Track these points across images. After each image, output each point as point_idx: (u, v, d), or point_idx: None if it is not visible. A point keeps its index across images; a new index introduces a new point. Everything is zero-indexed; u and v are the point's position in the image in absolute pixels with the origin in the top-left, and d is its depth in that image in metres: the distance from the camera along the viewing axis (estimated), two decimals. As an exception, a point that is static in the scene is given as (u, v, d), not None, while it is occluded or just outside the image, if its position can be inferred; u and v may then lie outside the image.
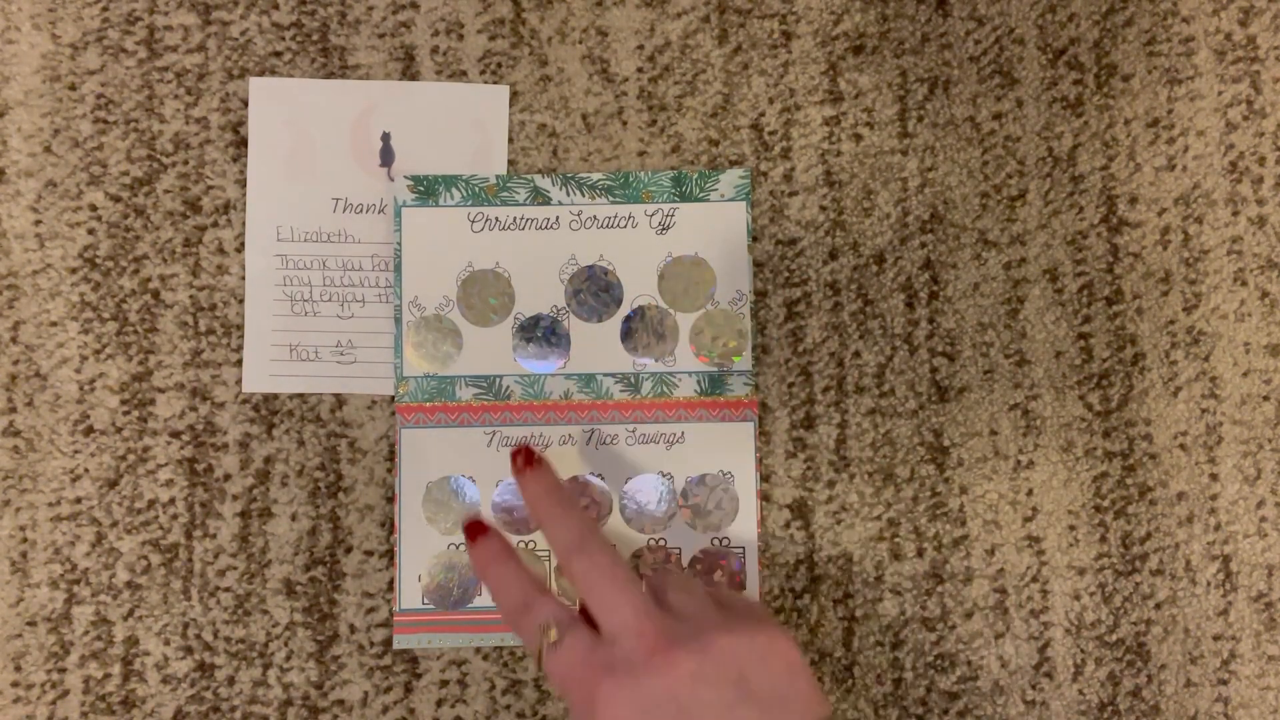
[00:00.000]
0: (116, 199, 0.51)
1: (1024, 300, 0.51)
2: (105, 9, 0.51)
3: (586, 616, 0.40)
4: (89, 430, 0.50)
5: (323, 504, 0.50)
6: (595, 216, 0.51)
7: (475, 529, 0.44)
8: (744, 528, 0.50)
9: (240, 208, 0.51)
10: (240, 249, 0.51)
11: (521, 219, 0.51)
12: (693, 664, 0.38)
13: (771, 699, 0.38)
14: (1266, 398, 0.51)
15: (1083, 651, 0.49)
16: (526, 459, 0.44)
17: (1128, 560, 0.50)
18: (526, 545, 0.50)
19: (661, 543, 0.50)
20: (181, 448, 0.50)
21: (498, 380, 0.50)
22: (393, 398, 0.50)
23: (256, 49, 0.51)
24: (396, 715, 0.49)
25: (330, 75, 0.51)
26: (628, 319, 0.51)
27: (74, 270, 0.50)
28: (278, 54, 0.51)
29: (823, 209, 0.51)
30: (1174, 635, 0.50)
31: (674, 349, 0.51)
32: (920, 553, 0.50)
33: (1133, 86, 0.52)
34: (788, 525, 0.50)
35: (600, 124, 0.51)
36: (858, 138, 0.51)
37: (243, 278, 0.51)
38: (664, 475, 0.50)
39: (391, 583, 0.50)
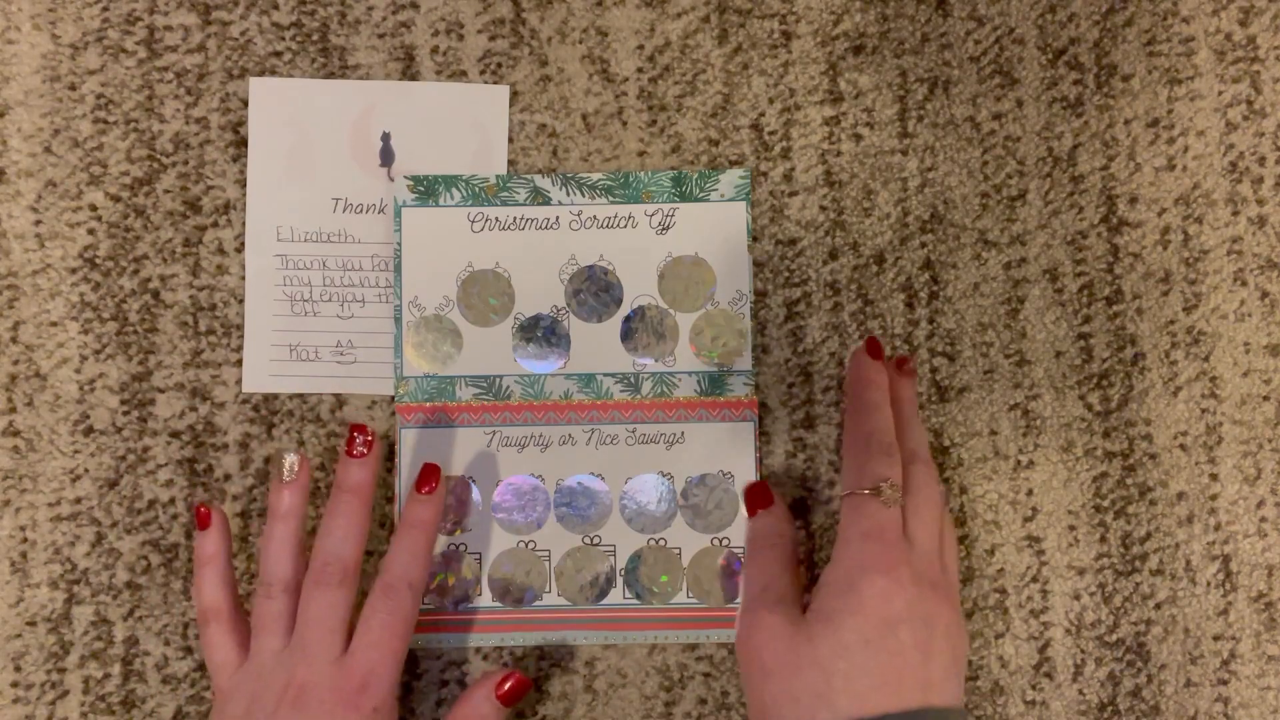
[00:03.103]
0: (116, 199, 0.51)
1: (1024, 300, 0.51)
2: (105, 9, 0.51)
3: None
4: (89, 430, 0.50)
5: (323, 504, 0.50)
6: (595, 216, 0.51)
7: (876, 346, 0.47)
8: (744, 528, 0.50)
9: (240, 208, 0.51)
10: (240, 249, 0.51)
11: (521, 219, 0.51)
12: (946, 621, 0.42)
13: (960, 677, 0.44)
14: (1266, 398, 0.51)
15: (1083, 651, 0.49)
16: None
17: (1128, 560, 0.50)
18: (527, 545, 0.50)
19: (662, 542, 0.50)
20: (181, 448, 0.50)
21: (498, 380, 0.50)
22: (393, 398, 0.50)
23: (256, 49, 0.51)
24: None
25: (330, 75, 0.51)
26: (628, 319, 0.51)
27: (74, 270, 0.50)
28: (278, 54, 0.51)
29: (823, 209, 0.51)
30: (1174, 635, 0.50)
31: (674, 349, 0.51)
32: (920, 553, 0.50)
33: (1133, 86, 0.52)
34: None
35: (600, 124, 0.51)
36: (858, 138, 0.51)
37: (243, 278, 0.51)
38: (664, 475, 0.50)
39: (391, 583, 0.50)
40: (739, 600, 0.49)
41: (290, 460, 0.46)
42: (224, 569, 0.46)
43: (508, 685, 0.46)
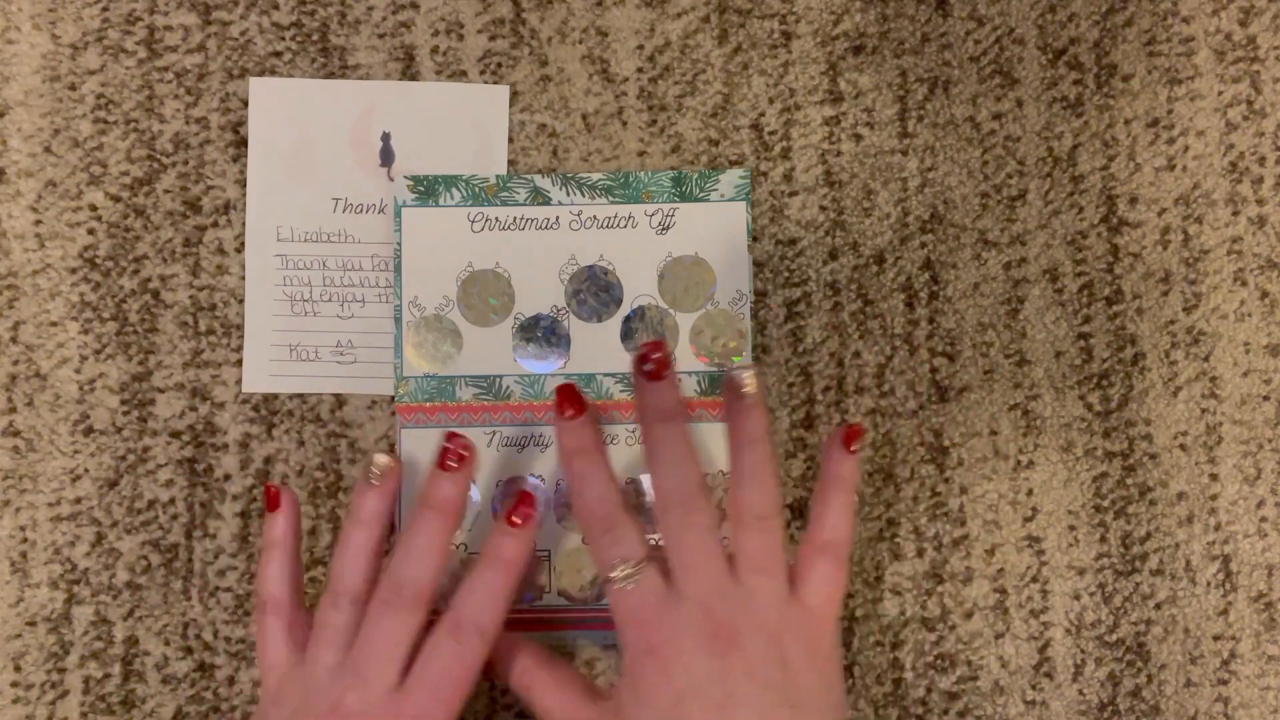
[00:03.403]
0: (116, 199, 0.51)
1: (1024, 300, 0.51)
2: (105, 9, 0.51)
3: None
4: (89, 430, 0.50)
5: (323, 504, 0.50)
6: (595, 216, 0.51)
7: (567, 399, 0.42)
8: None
9: (240, 208, 0.51)
10: (240, 249, 0.51)
11: (521, 219, 0.51)
12: (746, 659, 0.39)
13: (807, 702, 0.39)
14: (1266, 398, 0.51)
15: (1083, 651, 0.49)
16: (658, 368, 0.42)
17: (1128, 560, 0.50)
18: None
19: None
20: (181, 448, 0.50)
21: (498, 380, 0.50)
22: (393, 398, 0.50)
23: (256, 49, 0.51)
24: (396, 715, 0.49)
25: (330, 75, 0.51)
26: (628, 319, 0.51)
27: (74, 270, 0.50)
28: (278, 54, 0.51)
29: (823, 209, 0.51)
30: (1174, 635, 0.50)
31: (674, 349, 0.51)
32: (920, 553, 0.50)
33: (1133, 86, 0.52)
34: (788, 525, 0.50)
35: (600, 124, 0.51)
36: (858, 138, 0.51)
37: (243, 278, 0.51)
38: (664, 475, 0.50)
39: (391, 583, 0.50)
40: None
41: (383, 462, 0.43)
42: (290, 557, 0.44)
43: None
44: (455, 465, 0.43)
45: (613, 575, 0.40)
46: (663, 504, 0.42)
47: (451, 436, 0.43)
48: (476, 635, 0.42)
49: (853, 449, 0.44)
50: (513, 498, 0.43)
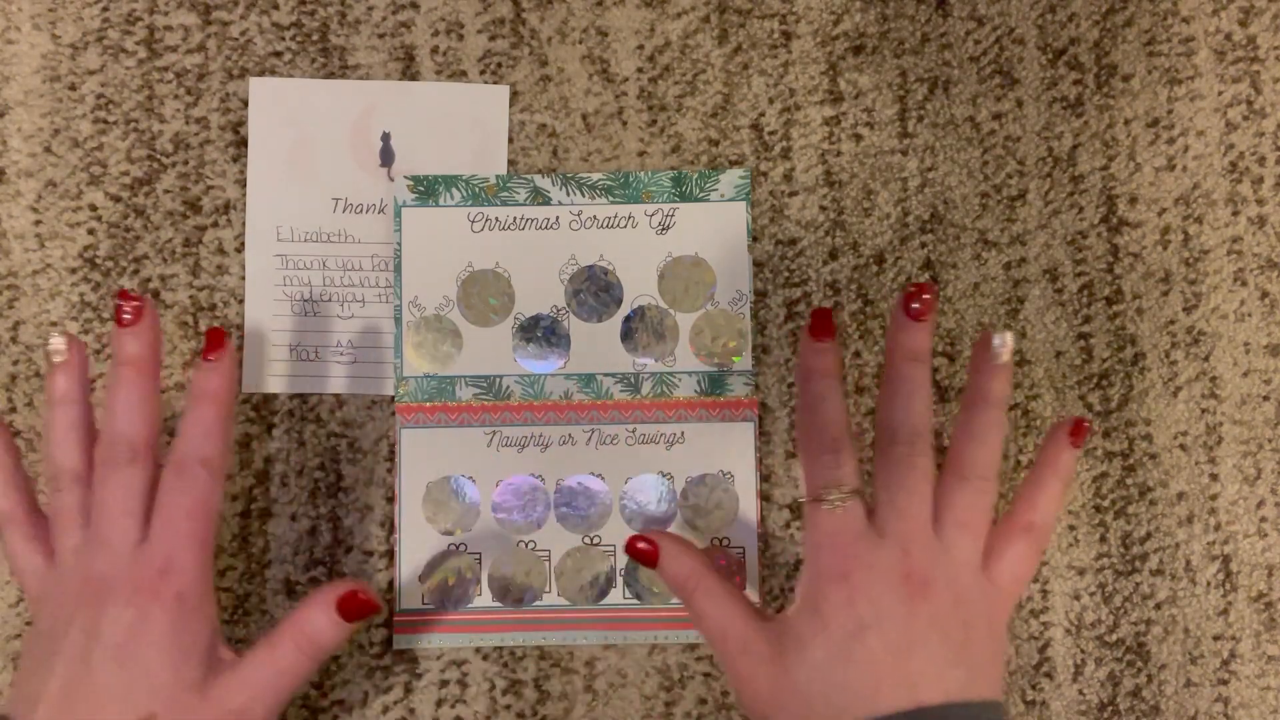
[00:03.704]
0: (116, 199, 0.51)
1: (1024, 300, 0.51)
2: (105, 9, 0.51)
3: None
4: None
5: (323, 504, 0.50)
6: (595, 216, 0.51)
7: (821, 325, 0.43)
8: (744, 528, 0.50)
9: (240, 208, 0.51)
10: (240, 249, 0.51)
11: (521, 219, 0.51)
12: (932, 609, 0.39)
13: (979, 670, 0.40)
14: (1266, 398, 0.51)
15: (1083, 651, 0.49)
16: (924, 309, 0.42)
17: (1128, 560, 0.50)
18: (527, 545, 0.50)
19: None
20: (181, 448, 0.50)
21: (498, 380, 0.50)
22: (393, 398, 0.50)
23: (256, 49, 0.51)
24: (396, 715, 0.49)
25: (330, 75, 0.51)
26: (628, 319, 0.51)
27: (74, 270, 0.50)
28: (278, 54, 0.51)
29: (823, 209, 0.51)
30: (1174, 635, 0.50)
31: (674, 349, 0.51)
32: (920, 553, 0.50)
33: (1133, 86, 0.52)
34: (788, 525, 0.50)
35: (600, 124, 0.51)
36: (858, 138, 0.51)
37: (243, 278, 0.51)
38: (664, 475, 0.50)
39: (391, 583, 0.50)
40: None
41: (56, 342, 0.43)
42: (11, 471, 0.44)
43: (350, 596, 0.42)
44: (131, 318, 0.43)
45: (825, 495, 0.41)
46: (889, 438, 0.42)
47: (122, 294, 0.43)
48: (200, 467, 0.42)
49: (1076, 443, 0.44)
50: (207, 335, 0.44)
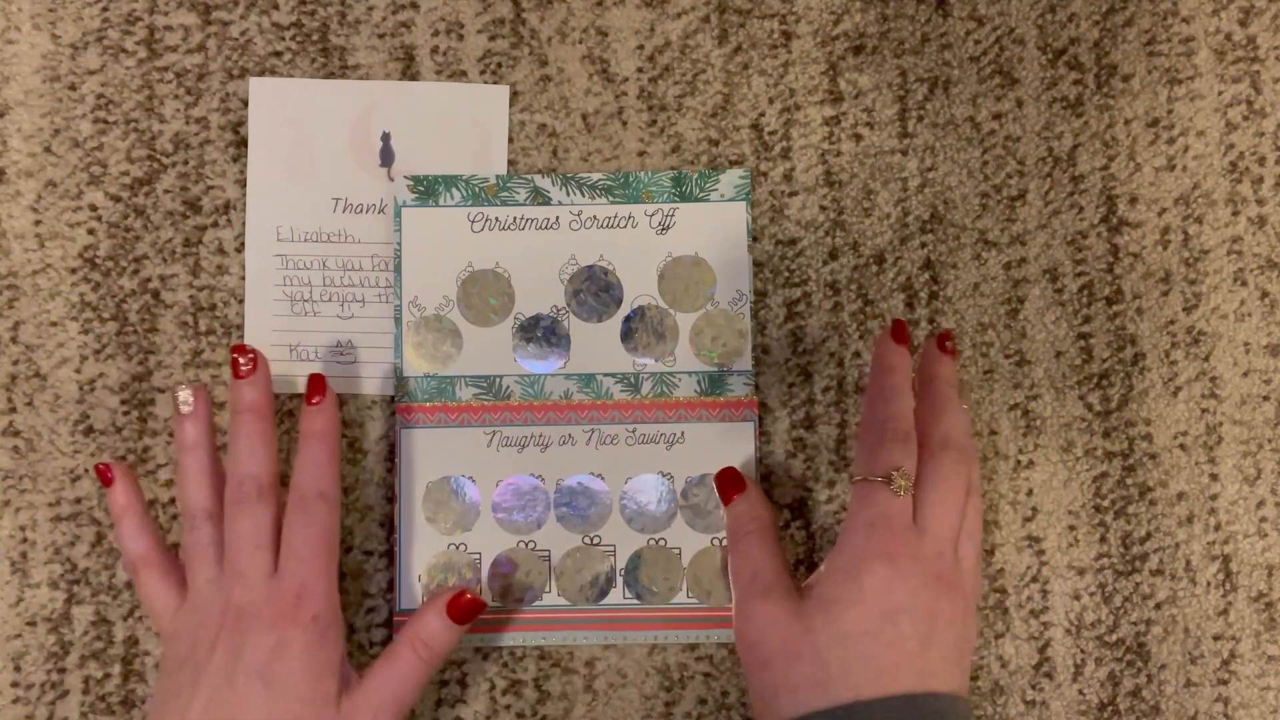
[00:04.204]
0: (116, 199, 0.51)
1: (1024, 300, 0.51)
2: (105, 9, 0.51)
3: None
4: (89, 430, 0.50)
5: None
6: (595, 216, 0.51)
7: (901, 331, 0.47)
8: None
9: (240, 208, 0.51)
10: (240, 249, 0.51)
11: (521, 219, 0.51)
12: (950, 611, 0.42)
13: (967, 669, 0.44)
14: (1266, 398, 0.51)
15: (1083, 651, 0.49)
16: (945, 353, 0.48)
17: (1128, 560, 0.50)
18: (527, 545, 0.50)
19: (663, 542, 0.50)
20: (181, 448, 0.50)
21: (498, 380, 0.50)
22: (393, 398, 0.50)
23: (256, 49, 0.51)
24: (396, 715, 0.49)
25: (330, 75, 0.51)
26: (628, 319, 0.51)
27: (74, 270, 0.50)
28: (278, 54, 0.51)
29: (823, 209, 0.51)
30: (1174, 635, 0.50)
31: (674, 349, 0.51)
32: (920, 553, 0.50)
33: (1133, 86, 0.52)
34: (788, 525, 0.50)
35: (600, 124, 0.51)
36: (858, 138, 0.51)
37: (243, 278, 0.51)
38: (664, 475, 0.50)
39: (391, 583, 0.50)
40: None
41: (184, 395, 0.47)
42: (142, 517, 0.47)
43: (458, 599, 0.46)
44: (249, 369, 0.47)
45: (893, 478, 0.43)
46: (941, 444, 0.44)
47: (237, 348, 0.47)
48: (319, 500, 0.45)
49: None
50: (309, 382, 0.47)
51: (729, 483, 0.48)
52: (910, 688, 0.40)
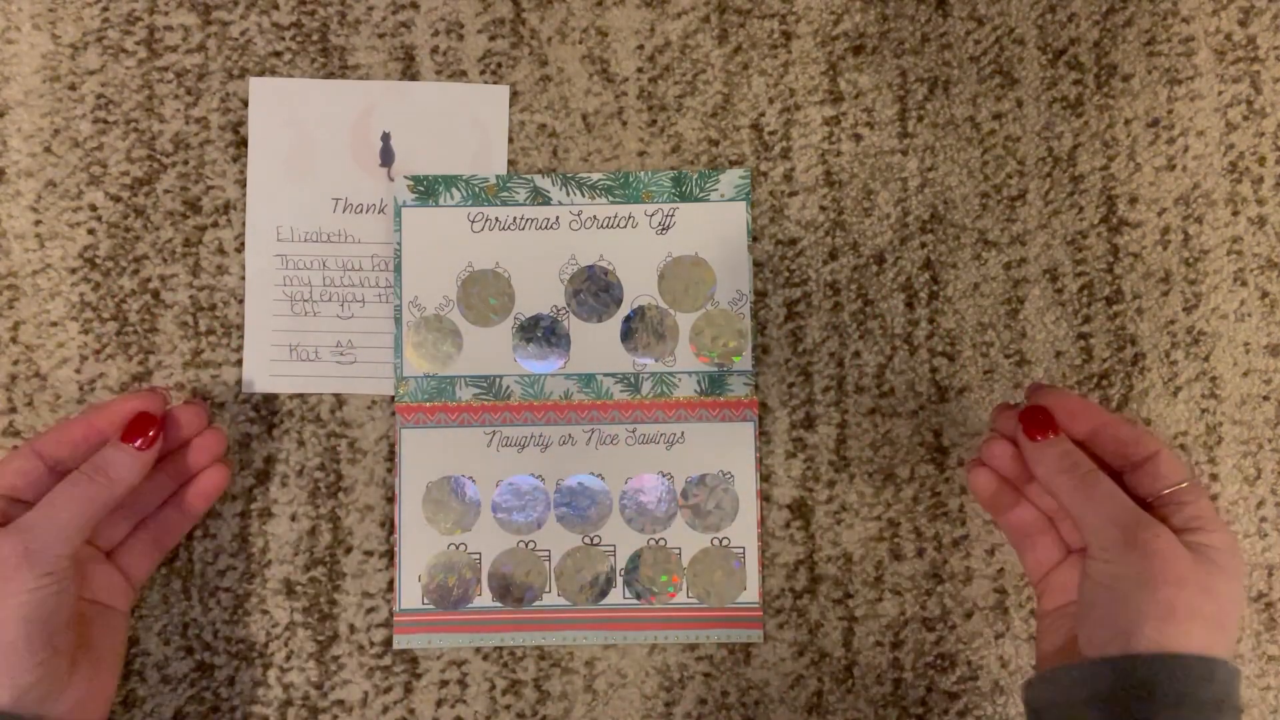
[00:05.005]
0: (116, 199, 0.51)
1: (1024, 300, 0.51)
2: (105, 9, 0.51)
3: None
4: (89, 430, 0.50)
5: (323, 504, 0.50)
6: (595, 216, 0.51)
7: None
8: (744, 528, 0.50)
9: (240, 208, 0.51)
10: (240, 249, 0.51)
11: (521, 219, 0.51)
12: None
13: None
14: (1266, 398, 0.51)
15: (1083, 651, 0.49)
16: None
17: (1128, 560, 0.50)
18: (527, 545, 0.50)
19: (663, 542, 0.50)
20: (181, 448, 0.50)
21: (498, 380, 0.50)
22: (393, 398, 0.50)
23: (256, 49, 0.51)
24: (396, 715, 0.49)
25: (330, 75, 0.51)
26: (628, 319, 0.51)
27: (74, 270, 0.50)
28: (278, 54, 0.51)
29: (823, 209, 0.51)
30: (1174, 635, 0.50)
31: (674, 349, 0.51)
32: (920, 553, 0.50)
33: (1133, 86, 0.52)
34: (788, 525, 0.50)
35: (600, 124, 0.51)
36: (858, 138, 0.51)
37: (243, 278, 0.51)
38: (664, 475, 0.50)
39: (391, 583, 0.50)
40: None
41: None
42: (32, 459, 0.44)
43: (132, 422, 0.44)
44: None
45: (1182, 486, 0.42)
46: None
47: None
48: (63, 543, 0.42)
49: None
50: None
51: (1044, 422, 0.44)
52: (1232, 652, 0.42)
